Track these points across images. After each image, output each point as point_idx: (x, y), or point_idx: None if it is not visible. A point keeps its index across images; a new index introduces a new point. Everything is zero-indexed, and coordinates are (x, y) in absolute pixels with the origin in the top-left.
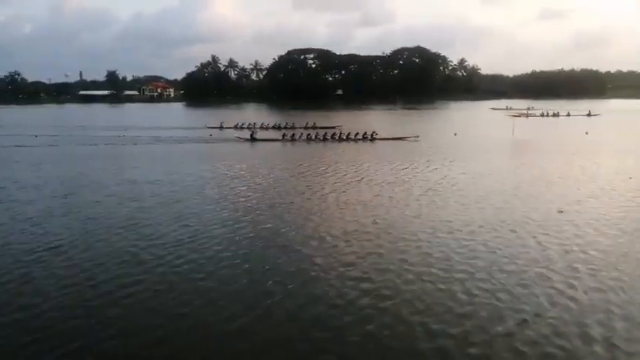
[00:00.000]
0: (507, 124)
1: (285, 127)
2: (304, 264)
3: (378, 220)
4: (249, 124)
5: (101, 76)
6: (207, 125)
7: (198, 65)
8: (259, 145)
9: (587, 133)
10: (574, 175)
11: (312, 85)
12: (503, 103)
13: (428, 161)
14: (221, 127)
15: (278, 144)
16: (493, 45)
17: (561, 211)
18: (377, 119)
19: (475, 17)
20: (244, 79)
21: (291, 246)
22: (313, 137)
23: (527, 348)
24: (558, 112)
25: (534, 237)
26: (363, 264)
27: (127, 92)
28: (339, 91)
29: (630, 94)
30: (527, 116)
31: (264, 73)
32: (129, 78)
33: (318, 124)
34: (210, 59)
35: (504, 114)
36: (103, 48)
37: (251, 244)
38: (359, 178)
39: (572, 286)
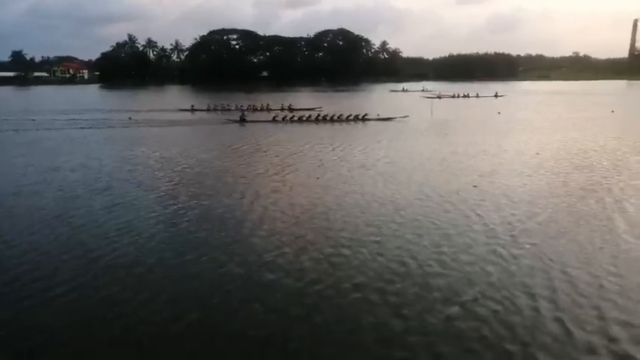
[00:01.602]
0: (425, 105)
1: (261, 109)
2: (253, 249)
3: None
4: (223, 105)
5: (5, 57)
6: (179, 107)
7: (114, 45)
8: (251, 126)
9: (499, 112)
10: (488, 152)
11: (237, 67)
12: (400, 85)
13: (365, 141)
14: (192, 110)
15: (270, 125)
16: (414, 29)
17: (475, 186)
18: (319, 101)
19: (397, 1)
20: (164, 60)
21: (240, 231)
22: (305, 118)
23: (483, 319)
24: (468, 94)
25: (461, 207)
26: (313, 246)
27: (37, 74)
28: (265, 73)
29: (538, 76)
30: (440, 97)
31: (185, 54)
32: (38, 59)
33: (294, 106)
34: (127, 39)
35: (419, 96)
36: (10, 26)
37: (198, 231)
38: (309, 157)
39: (511, 254)
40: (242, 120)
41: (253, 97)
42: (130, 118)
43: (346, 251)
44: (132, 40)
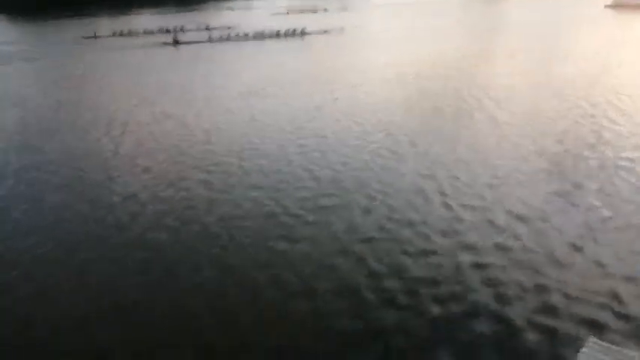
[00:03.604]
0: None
1: (174, 31)
2: (133, 185)
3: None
4: (130, 30)
5: None
6: (83, 36)
7: None
8: (184, 48)
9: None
10: (347, 65)
11: None
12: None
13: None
14: (95, 37)
15: (207, 46)
16: None
17: (336, 99)
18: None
19: None
20: None
21: (116, 168)
22: (242, 35)
23: (383, 214)
24: (316, 9)
25: (330, 118)
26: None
27: None
28: None
29: None
30: (289, 13)
31: None
32: None
33: (211, 26)
34: None
35: (270, 13)
36: None
37: (59, 171)
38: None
39: (391, 151)
40: (175, 42)
41: (103, 22)
42: None
43: (243, 171)
44: None
